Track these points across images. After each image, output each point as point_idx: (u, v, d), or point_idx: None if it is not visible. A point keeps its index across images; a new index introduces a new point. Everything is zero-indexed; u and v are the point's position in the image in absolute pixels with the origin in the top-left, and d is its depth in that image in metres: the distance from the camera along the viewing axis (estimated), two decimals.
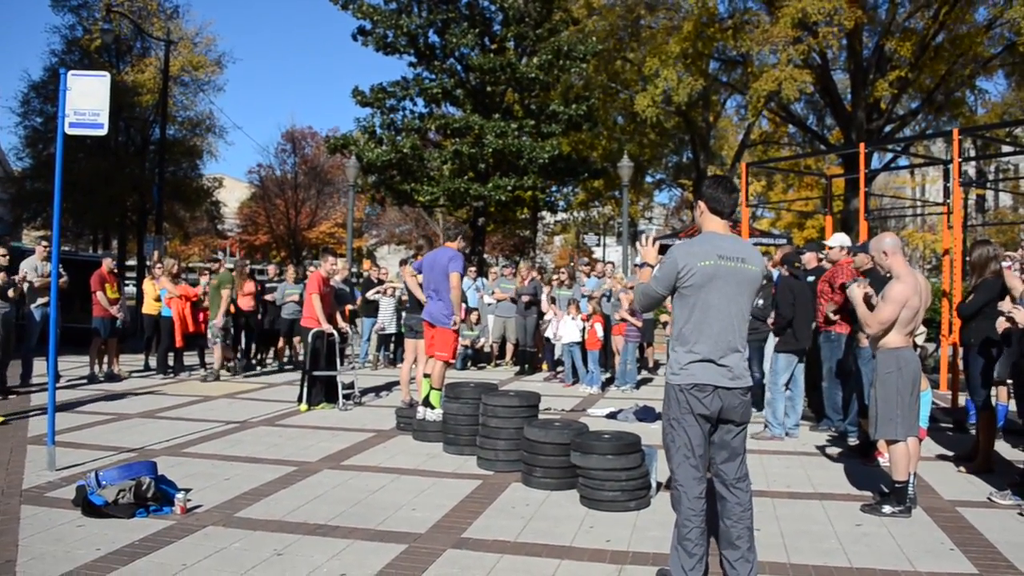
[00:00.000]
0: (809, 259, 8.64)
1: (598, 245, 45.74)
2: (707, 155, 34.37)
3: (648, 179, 38.64)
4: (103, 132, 6.11)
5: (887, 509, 5.32)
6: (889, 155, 25.87)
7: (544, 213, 34.75)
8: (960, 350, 9.38)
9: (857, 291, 5.58)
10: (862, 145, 10.67)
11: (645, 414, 8.81)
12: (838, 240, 8.33)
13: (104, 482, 5.15)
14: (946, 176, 11.86)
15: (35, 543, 4.54)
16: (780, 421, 7.93)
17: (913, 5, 25.07)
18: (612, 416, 8.89)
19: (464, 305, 11.04)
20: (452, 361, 8.01)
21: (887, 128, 27.63)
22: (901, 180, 48.08)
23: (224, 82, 34.31)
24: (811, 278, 8.38)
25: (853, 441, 7.57)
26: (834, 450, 7.38)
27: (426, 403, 7.73)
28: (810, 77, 23.45)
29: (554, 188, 26.19)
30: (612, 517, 5.19)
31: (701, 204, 3.91)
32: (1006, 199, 44.20)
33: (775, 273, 8.77)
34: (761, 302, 8.34)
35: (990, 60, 25.39)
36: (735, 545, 3.74)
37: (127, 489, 5.08)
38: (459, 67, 23.18)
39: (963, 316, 6.84)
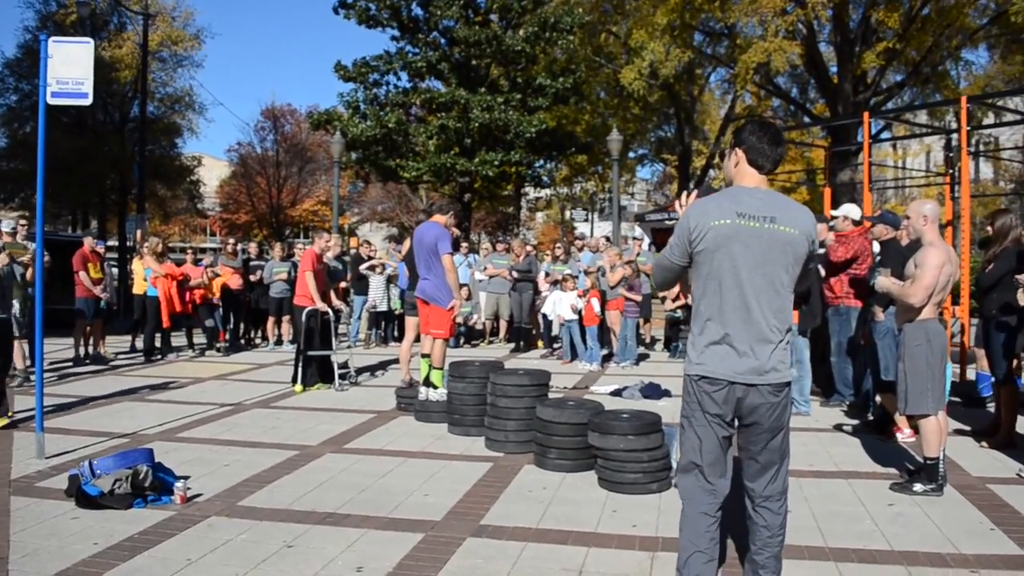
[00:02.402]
0: (820, 230, 8.42)
1: (586, 220, 45.43)
2: (691, 129, 34.25)
3: (631, 155, 38.35)
4: (87, 101, 5.75)
5: (918, 487, 5.13)
6: (878, 126, 25.69)
7: (528, 189, 34.47)
8: (967, 321, 9.30)
9: (885, 280, 5.36)
10: (866, 114, 10.44)
11: (651, 391, 8.60)
12: (844, 211, 8.12)
13: (99, 471, 4.87)
14: (948, 146, 11.62)
15: (27, 538, 4.25)
16: (806, 398, 7.75)
17: None
18: (616, 393, 8.68)
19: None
20: (448, 338, 7.72)
21: (873, 100, 27.46)
22: (884, 153, 48.07)
23: (203, 58, 33.85)
24: (820, 250, 8.18)
25: (869, 416, 7.41)
26: (849, 426, 7.19)
27: (427, 383, 7.47)
28: (799, 49, 23.24)
29: (539, 163, 25.91)
30: (635, 500, 4.97)
31: (738, 153, 3.22)
32: (987, 171, 44.33)
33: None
34: None
35: (976, 32, 25.22)
36: (758, 574, 3.23)
37: (123, 478, 4.81)
38: (443, 40, 22.78)
39: (983, 286, 6.64)
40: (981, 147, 37.70)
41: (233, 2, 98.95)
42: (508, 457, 6.03)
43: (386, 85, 23.24)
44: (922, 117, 29.40)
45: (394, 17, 22.34)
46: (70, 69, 5.71)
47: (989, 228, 6.75)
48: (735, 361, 3.06)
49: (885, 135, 27.28)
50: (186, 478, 5.19)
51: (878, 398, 7.35)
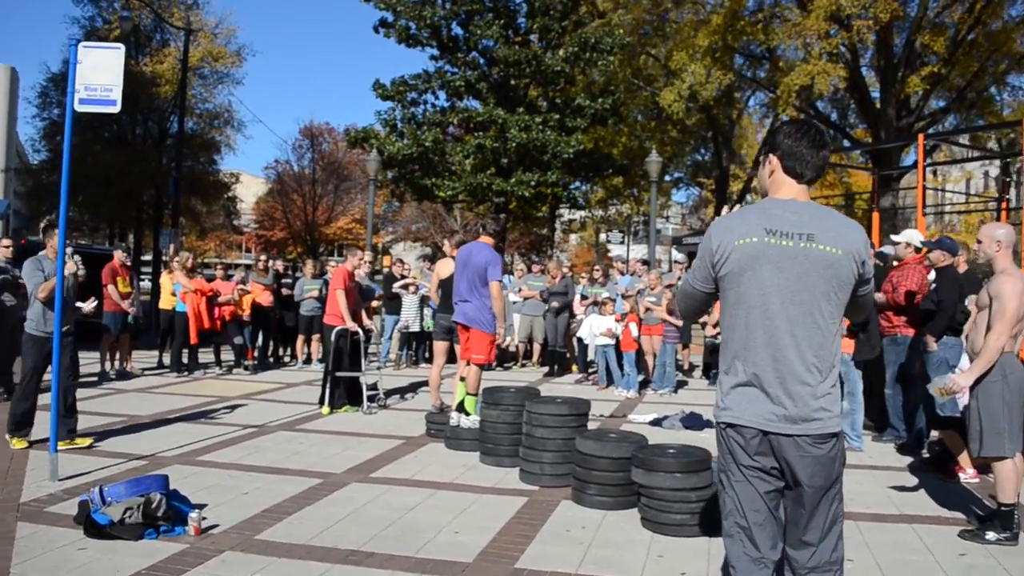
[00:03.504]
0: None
1: (622, 243, 44.95)
2: (729, 153, 33.81)
3: (667, 178, 37.96)
4: (116, 109, 5.54)
5: (991, 536, 4.69)
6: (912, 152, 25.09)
7: (562, 211, 34.17)
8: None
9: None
10: (920, 136, 9.99)
11: (692, 421, 8.19)
12: (906, 236, 7.67)
13: (109, 498, 4.58)
14: (1005, 171, 11.14)
15: (28, 570, 3.97)
16: (859, 433, 7.29)
17: None
18: (656, 423, 8.26)
19: None
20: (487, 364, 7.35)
21: (916, 126, 26.88)
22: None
23: (243, 75, 34.04)
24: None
25: (926, 453, 6.94)
26: (904, 463, 6.73)
27: (460, 409, 7.13)
28: (843, 72, 22.78)
29: (575, 184, 25.61)
30: (682, 544, 4.58)
31: (772, 159, 2.75)
32: None
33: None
34: None
35: None
36: None
37: (135, 507, 4.51)
38: (482, 60, 22.66)
39: None
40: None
41: (275, 21, 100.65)
42: (543, 491, 5.66)
43: (424, 104, 23.14)
44: (965, 141, 28.79)
45: (434, 36, 22.26)
46: (99, 75, 5.50)
47: None
48: (766, 406, 2.58)
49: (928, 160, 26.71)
50: (202, 507, 4.89)
51: (934, 433, 6.91)
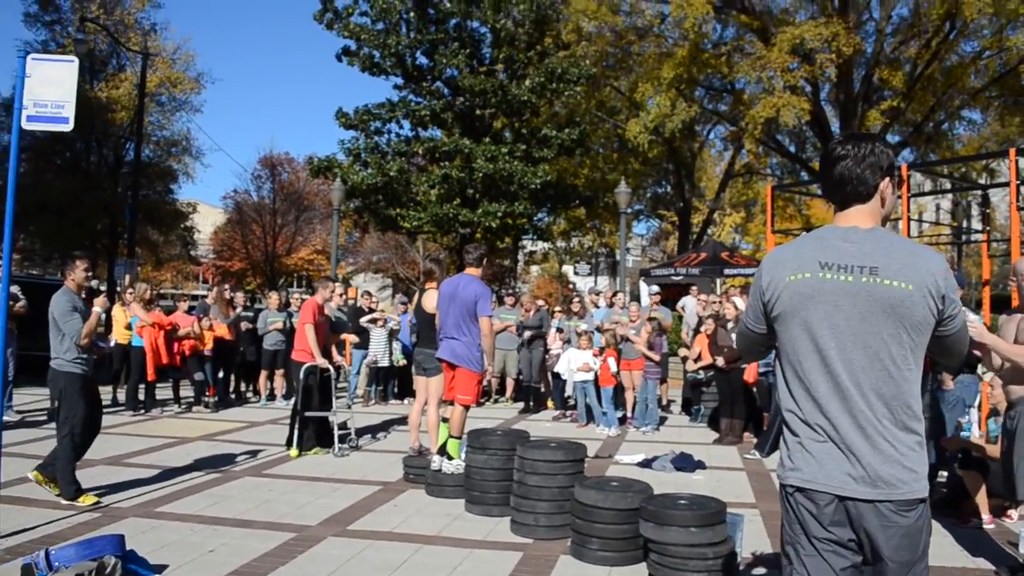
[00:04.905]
0: None
1: (589, 275, 44.78)
2: (691, 185, 34.01)
3: (628, 209, 38.03)
4: (68, 127, 5.05)
5: None
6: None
7: (525, 242, 33.96)
8: None
9: (993, 338, 4.63)
10: (904, 167, 9.84)
11: (684, 462, 7.80)
12: None
13: (57, 563, 4.06)
14: (985, 202, 11.08)
15: None
16: None
17: (904, 35, 24.90)
18: (646, 464, 7.87)
19: None
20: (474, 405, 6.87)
21: None
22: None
23: (202, 102, 33.39)
24: None
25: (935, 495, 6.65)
26: None
27: (442, 452, 6.67)
28: (807, 104, 22.97)
29: (539, 216, 25.39)
30: None
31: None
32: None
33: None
34: None
35: (978, 92, 25.06)
36: None
37: (86, 573, 3.99)
38: (446, 90, 22.42)
39: None
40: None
41: (236, 48, 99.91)
42: (539, 545, 5.21)
43: (388, 133, 22.80)
44: (916, 177, 29.29)
45: (398, 65, 21.98)
46: (50, 90, 5.03)
47: None
48: (840, 465, 2.21)
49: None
50: (163, 568, 4.38)
51: (943, 473, 6.64)
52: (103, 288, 11.65)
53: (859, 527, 2.22)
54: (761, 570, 4.74)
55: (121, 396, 11.69)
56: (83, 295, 6.31)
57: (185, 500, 6.28)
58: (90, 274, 6.54)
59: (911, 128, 26.99)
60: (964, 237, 24.99)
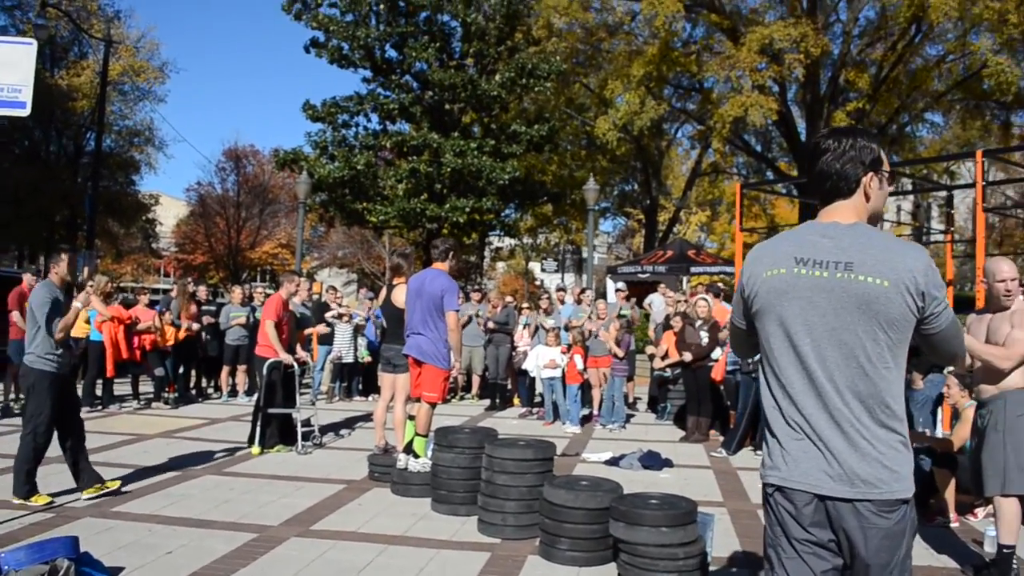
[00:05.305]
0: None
1: (557, 271, 44.76)
2: (658, 183, 34.14)
3: (595, 206, 38.08)
4: (25, 112, 4.89)
5: None
6: None
7: (492, 238, 33.89)
8: None
9: (969, 339, 4.65)
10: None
11: (651, 460, 7.77)
12: None
13: (7, 567, 3.89)
14: (949, 203, 11.19)
15: None
16: None
17: (871, 37, 25.19)
18: (613, 463, 7.82)
19: None
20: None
21: None
22: None
23: (166, 93, 32.85)
24: None
25: None
26: None
27: (408, 450, 6.56)
28: (775, 104, 23.13)
29: (506, 212, 25.32)
30: None
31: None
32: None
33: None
34: None
35: (941, 96, 25.46)
36: None
37: None
38: (415, 83, 22.27)
39: None
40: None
41: (201, 38, 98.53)
42: (507, 544, 5.13)
43: (356, 126, 22.61)
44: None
45: (367, 57, 21.79)
46: (6, 73, 4.81)
47: None
48: (817, 463, 2.16)
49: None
50: (119, 571, 4.24)
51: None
52: (91, 284, 11.29)
53: (838, 528, 2.17)
54: (732, 570, 4.70)
55: (78, 392, 11.37)
56: (73, 289, 6.10)
57: (143, 500, 6.11)
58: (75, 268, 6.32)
59: (875, 129, 27.33)
60: (925, 238, 25.46)
